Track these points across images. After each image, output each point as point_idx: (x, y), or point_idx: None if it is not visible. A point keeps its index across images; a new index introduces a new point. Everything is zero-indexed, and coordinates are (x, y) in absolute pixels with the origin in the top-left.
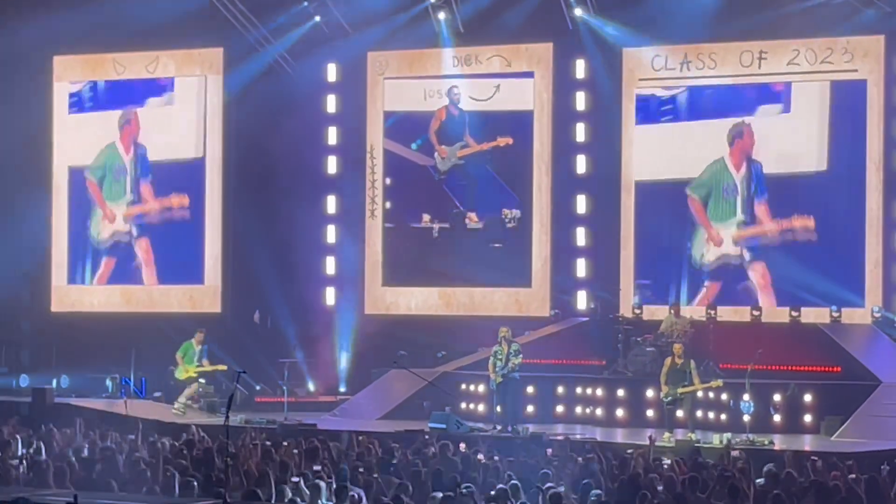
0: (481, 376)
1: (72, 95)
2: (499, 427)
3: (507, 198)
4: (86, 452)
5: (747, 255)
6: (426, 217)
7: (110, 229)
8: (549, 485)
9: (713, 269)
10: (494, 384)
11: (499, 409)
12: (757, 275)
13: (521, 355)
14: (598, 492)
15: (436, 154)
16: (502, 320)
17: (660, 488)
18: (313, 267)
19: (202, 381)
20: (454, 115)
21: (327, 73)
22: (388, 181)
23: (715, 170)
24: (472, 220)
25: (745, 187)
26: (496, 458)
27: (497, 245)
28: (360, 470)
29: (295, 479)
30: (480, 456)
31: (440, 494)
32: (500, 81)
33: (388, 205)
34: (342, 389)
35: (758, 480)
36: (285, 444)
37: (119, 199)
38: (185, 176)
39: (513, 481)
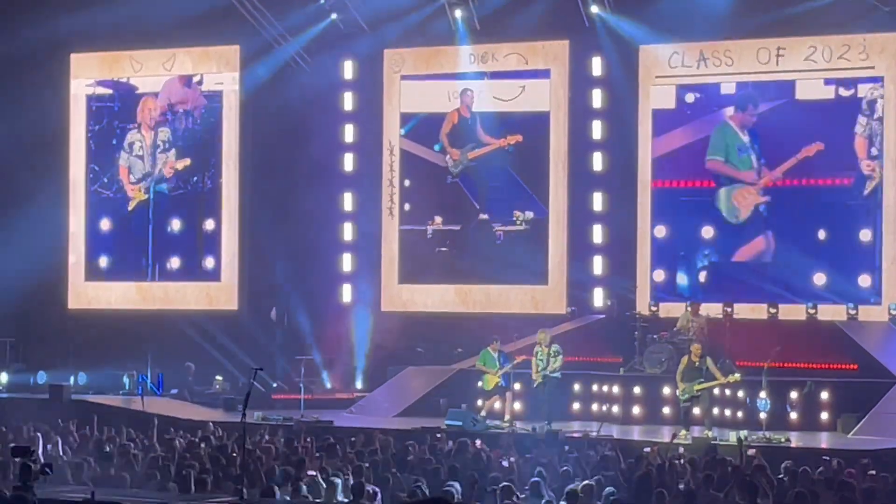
0: None
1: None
2: (536, 427)
3: (523, 199)
4: (103, 449)
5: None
6: (438, 219)
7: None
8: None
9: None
10: (535, 384)
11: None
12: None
13: (561, 356)
14: (611, 489)
15: (447, 157)
16: (518, 318)
17: (681, 486)
18: (330, 264)
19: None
20: (466, 118)
21: (344, 71)
22: (406, 183)
23: (724, 132)
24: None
25: (752, 147)
26: (511, 459)
27: (500, 231)
28: (374, 467)
29: (311, 472)
30: (505, 462)
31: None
32: (526, 82)
33: (406, 206)
34: (359, 386)
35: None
36: (303, 442)
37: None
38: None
39: (534, 478)
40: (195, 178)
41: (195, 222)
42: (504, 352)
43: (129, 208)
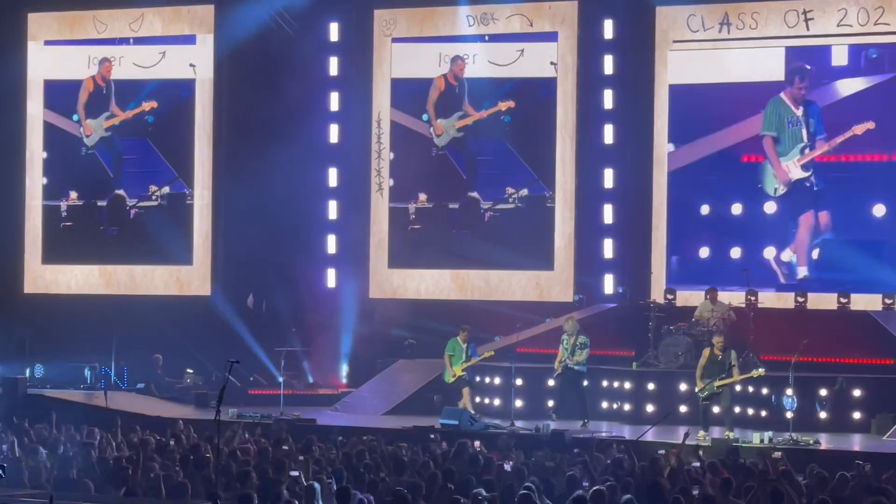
0: (497, 368)
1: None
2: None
3: (519, 174)
4: (62, 449)
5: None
6: (422, 196)
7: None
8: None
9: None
10: (556, 375)
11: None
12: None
13: (587, 349)
14: (629, 496)
15: (431, 129)
16: (521, 305)
17: (695, 492)
18: (313, 246)
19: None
20: (453, 86)
21: (329, 33)
22: (392, 156)
23: (776, 105)
24: (473, 199)
25: (805, 122)
26: (512, 462)
27: (488, 211)
28: (361, 470)
29: (294, 472)
30: (507, 466)
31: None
32: (525, 45)
33: (391, 182)
34: (344, 381)
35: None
36: (283, 444)
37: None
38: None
39: (524, 489)
40: None
41: None
42: (474, 343)
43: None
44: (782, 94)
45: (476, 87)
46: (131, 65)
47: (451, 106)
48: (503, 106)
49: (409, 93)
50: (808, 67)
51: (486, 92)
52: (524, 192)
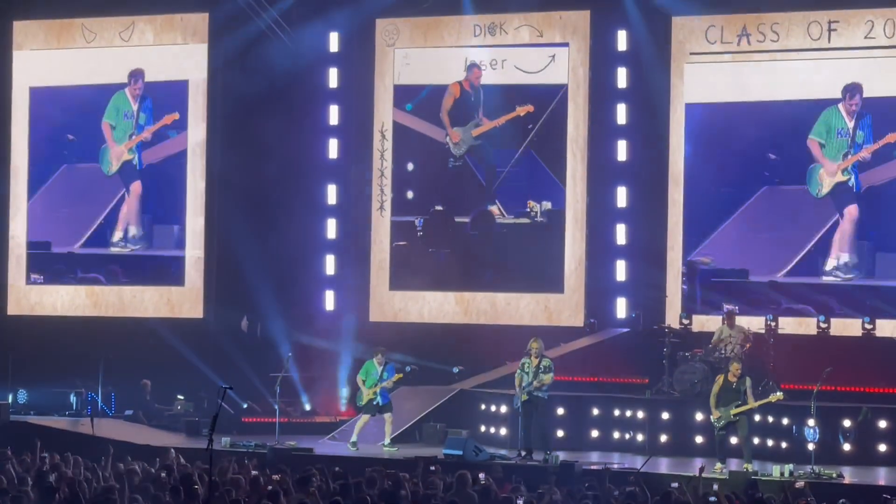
0: (504, 396)
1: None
2: (523, 453)
3: (542, 185)
4: (46, 479)
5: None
6: (438, 208)
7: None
8: None
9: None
10: (519, 403)
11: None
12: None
13: (552, 373)
14: None
15: (447, 138)
16: (530, 330)
17: None
18: (311, 267)
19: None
20: (469, 92)
21: (329, 43)
22: (410, 166)
23: (830, 115)
24: (495, 212)
25: (853, 134)
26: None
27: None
28: None
29: None
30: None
31: None
32: (556, 51)
33: (410, 194)
34: (343, 409)
35: None
36: (277, 472)
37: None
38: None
39: None
40: None
41: None
42: (393, 364)
43: None
44: (839, 106)
45: (492, 97)
46: None
47: (467, 114)
48: (521, 111)
49: (427, 99)
50: (860, 84)
51: (500, 102)
52: (548, 205)
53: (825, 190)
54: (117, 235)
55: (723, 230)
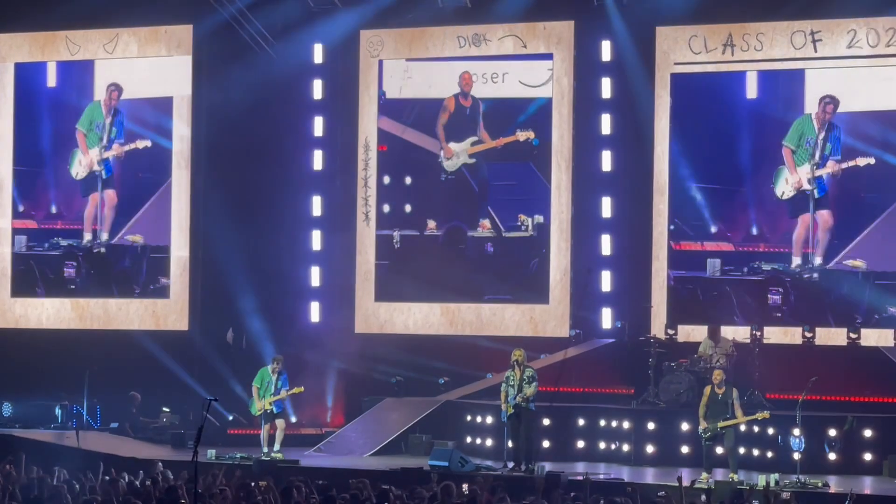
0: (490, 406)
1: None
2: (510, 465)
3: (533, 199)
4: (31, 493)
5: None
6: (431, 223)
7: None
8: None
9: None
10: (506, 416)
11: (510, 444)
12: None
13: (535, 383)
14: None
15: (441, 153)
16: (515, 341)
17: None
18: (296, 278)
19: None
20: (464, 107)
21: (314, 55)
22: (386, 179)
23: (803, 123)
24: (485, 227)
25: (822, 145)
26: None
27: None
28: None
29: None
30: None
31: None
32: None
33: (386, 208)
34: (328, 420)
35: None
36: (262, 484)
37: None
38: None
39: None
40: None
41: None
42: (286, 374)
43: None
44: (812, 115)
45: (493, 111)
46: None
47: (464, 130)
48: (521, 136)
49: (420, 112)
50: (836, 97)
51: (500, 117)
52: (539, 218)
53: (788, 194)
54: (86, 238)
55: None
